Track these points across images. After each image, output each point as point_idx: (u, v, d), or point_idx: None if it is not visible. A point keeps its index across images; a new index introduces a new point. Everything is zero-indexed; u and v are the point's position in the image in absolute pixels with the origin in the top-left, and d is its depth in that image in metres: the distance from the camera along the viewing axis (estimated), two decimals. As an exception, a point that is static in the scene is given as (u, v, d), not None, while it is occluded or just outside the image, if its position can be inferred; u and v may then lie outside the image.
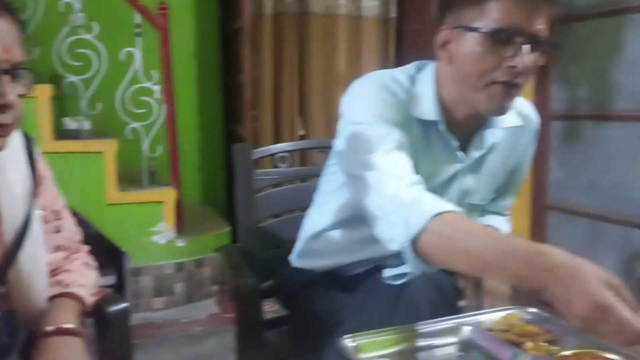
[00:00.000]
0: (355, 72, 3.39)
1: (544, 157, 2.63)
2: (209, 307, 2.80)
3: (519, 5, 0.95)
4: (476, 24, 0.98)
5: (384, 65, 3.47)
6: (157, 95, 2.77)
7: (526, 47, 0.96)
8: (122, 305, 1.02)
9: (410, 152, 1.05)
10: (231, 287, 1.38)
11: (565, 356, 0.83)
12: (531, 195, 2.71)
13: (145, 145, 2.80)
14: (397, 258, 0.98)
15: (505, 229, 1.31)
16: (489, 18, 0.96)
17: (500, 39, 0.96)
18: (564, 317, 0.74)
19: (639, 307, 0.71)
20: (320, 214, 1.30)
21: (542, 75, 2.60)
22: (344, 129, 1.10)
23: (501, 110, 1.05)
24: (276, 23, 3.26)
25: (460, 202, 1.18)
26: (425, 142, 1.11)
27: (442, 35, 1.05)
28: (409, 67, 1.15)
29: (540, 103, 2.62)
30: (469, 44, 0.99)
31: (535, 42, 0.97)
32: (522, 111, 1.20)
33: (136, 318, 2.65)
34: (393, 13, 3.48)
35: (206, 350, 2.38)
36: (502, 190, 1.29)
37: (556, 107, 2.59)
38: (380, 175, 0.98)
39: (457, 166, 1.14)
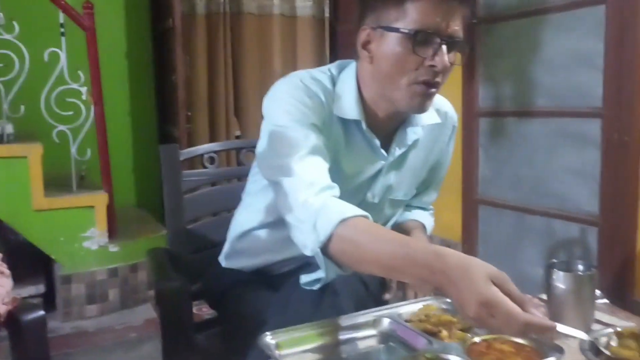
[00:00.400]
0: (291, 71, 3.38)
1: (473, 154, 2.72)
2: (145, 312, 2.74)
3: (436, 7, 0.98)
4: (396, 25, 1.00)
5: (320, 65, 3.50)
6: (85, 96, 2.68)
7: (444, 48, 0.99)
8: (38, 313, 0.99)
9: (330, 153, 1.07)
10: (155, 290, 1.35)
11: (476, 343, 0.86)
12: (462, 190, 2.80)
13: (73, 149, 2.70)
14: None
15: (428, 223, 1.35)
16: (408, 19, 0.99)
17: (420, 39, 0.99)
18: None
19: (525, 299, 0.75)
20: (247, 214, 1.30)
21: (469, 74, 2.69)
22: (264, 130, 1.10)
23: (422, 108, 1.08)
24: (209, 22, 3.24)
25: (384, 198, 1.22)
26: (348, 141, 1.13)
27: (362, 35, 1.07)
28: (331, 67, 1.17)
29: (468, 101, 2.71)
30: (389, 44, 1.02)
31: (453, 42, 1.01)
32: (441, 108, 1.24)
33: (68, 327, 2.57)
34: (327, 13, 3.51)
35: (142, 356, 2.33)
36: (424, 185, 1.33)
37: (483, 105, 2.68)
38: (293, 182, 1.00)
39: (381, 163, 1.17)
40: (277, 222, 1.20)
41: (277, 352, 0.86)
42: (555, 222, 2.38)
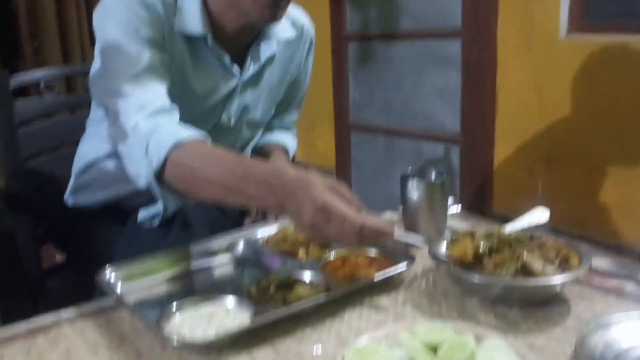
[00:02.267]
0: None
1: (343, 79, 2.71)
2: None
3: None
4: None
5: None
6: None
7: None
8: None
9: (174, 72, 0.97)
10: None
11: (330, 261, 0.84)
12: (334, 116, 2.79)
13: None
14: None
15: (291, 145, 1.31)
16: None
17: None
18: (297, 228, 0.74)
19: (361, 206, 0.74)
20: (92, 143, 1.17)
21: (336, -3, 2.63)
22: (96, 49, 0.97)
23: (274, 17, 1.00)
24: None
25: (241, 119, 1.14)
26: (195, 59, 1.03)
27: None
28: None
29: (336, 25, 2.66)
30: None
31: None
32: (297, 21, 1.17)
33: None
34: None
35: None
36: (284, 105, 1.27)
37: (350, 29, 2.65)
38: (123, 105, 0.89)
39: (234, 81, 1.09)
40: None
41: (118, 286, 0.79)
42: (422, 143, 2.46)
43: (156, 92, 0.92)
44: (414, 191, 0.91)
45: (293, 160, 1.33)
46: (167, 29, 0.98)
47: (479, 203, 2.25)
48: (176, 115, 0.92)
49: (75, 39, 2.98)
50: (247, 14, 0.99)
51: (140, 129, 0.86)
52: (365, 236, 0.70)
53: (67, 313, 0.76)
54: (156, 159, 0.84)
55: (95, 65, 0.98)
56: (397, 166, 2.59)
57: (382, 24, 2.53)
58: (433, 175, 0.94)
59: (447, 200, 0.95)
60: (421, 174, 0.94)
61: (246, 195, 0.80)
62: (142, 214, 1.03)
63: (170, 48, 0.99)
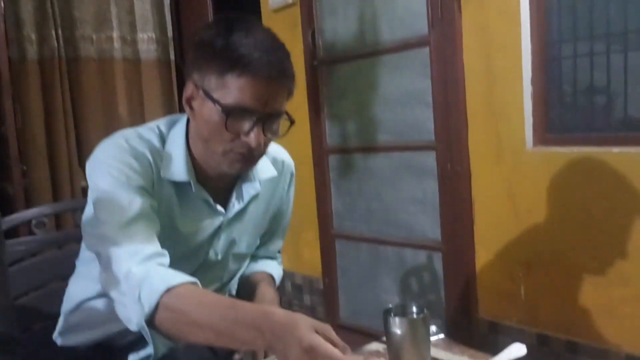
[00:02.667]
0: (138, 116, 3.28)
1: (325, 190, 2.80)
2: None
3: (256, 86, 0.95)
4: (215, 95, 0.97)
5: (168, 109, 3.42)
6: None
7: (258, 128, 0.98)
8: None
9: (162, 216, 1.03)
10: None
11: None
12: (318, 226, 2.85)
13: None
14: None
15: (277, 273, 1.35)
16: (227, 92, 0.96)
17: (234, 116, 0.96)
18: None
19: (346, 347, 0.78)
20: (81, 283, 1.21)
21: (315, 114, 2.78)
22: (89, 197, 1.03)
23: (244, 171, 1.09)
24: (43, 69, 3.02)
25: (228, 252, 1.19)
26: (182, 201, 1.09)
27: (187, 89, 1.03)
28: (160, 124, 1.12)
29: (316, 139, 2.79)
30: (208, 110, 0.99)
31: (271, 120, 1.00)
32: (277, 158, 1.25)
33: None
34: (172, 56, 3.45)
35: None
36: (268, 234, 1.33)
37: (330, 142, 2.77)
38: (115, 252, 0.94)
39: (220, 219, 1.14)
40: None
41: None
42: (405, 251, 2.51)
43: (147, 239, 0.97)
44: (396, 327, 0.94)
45: (279, 287, 1.37)
46: (155, 174, 1.05)
47: (465, 309, 2.27)
48: (167, 259, 0.97)
49: (64, 161, 3.06)
50: (220, 168, 1.06)
51: (132, 276, 0.91)
52: None
53: None
54: (148, 305, 0.87)
55: (88, 213, 1.03)
56: (382, 272, 2.63)
57: (360, 137, 2.66)
58: (414, 309, 0.98)
59: (428, 332, 0.98)
60: (403, 308, 0.98)
61: (236, 339, 0.83)
62: (133, 358, 1.05)
63: (159, 193, 1.05)
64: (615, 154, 1.84)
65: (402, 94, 2.45)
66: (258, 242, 1.28)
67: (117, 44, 3.22)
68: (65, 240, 1.47)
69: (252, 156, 1.02)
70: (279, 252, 1.40)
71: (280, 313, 0.80)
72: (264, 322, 0.79)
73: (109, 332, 1.18)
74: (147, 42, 3.33)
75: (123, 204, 0.98)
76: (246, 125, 0.98)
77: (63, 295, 1.26)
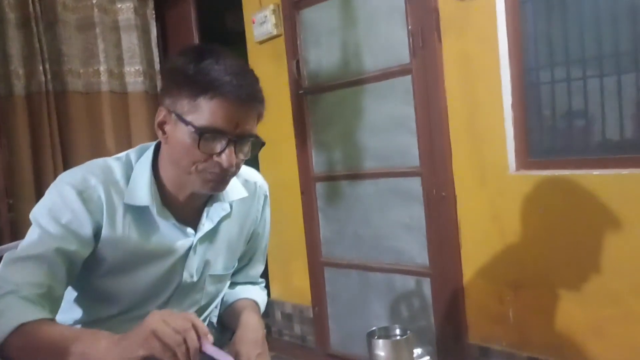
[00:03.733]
0: (126, 148, 3.18)
1: (313, 218, 2.81)
2: None
3: (227, 108, 0.99)
4: (188, 117, 1.00)
5: (155, 140, 3.43)
6: None
7: (230, 149, 1.01)
8: None
9: (127, 241, 1.08)
10: None
11: None
12: (307, 254, 2.86)
13: None
14: None
15: (261, 299, 1.35)
16: (200, 114, 0.99)
17: (206, 138, 1.00)
18: None
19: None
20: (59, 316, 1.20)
21: (301, 142, 2.81)
22: None
23: (216, 190, 1.10)
24: (30, 103, 3.03)
25: (203, 275, 1.20)
26: (149, 226, 1.11)
27: (160, 114, 1.06)
28: (131, 152, 1.15)
29: (303, 167, 2.82)
30: (180, 133, 1.02)
31: (242, 142, 1.04)
32: (248, 180, 1.26)
33: None
34: (160, 88, 3.49)
35: None
36: (246, 257, 1.33)
37: (317, 170, 2.80)
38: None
39: (190, 240, 1.16)
40: None
41: None
42: (394, 277, 2.52)
43: (29, 276, 0.98)
44: (380, 349, 0.95)
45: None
46: (109, 206, 1.07)
47: (455, 334, 2.27)
48: (48, 304, 0.98)
49: (51, 194, 3.05)
50: (194, 187, 1.08)
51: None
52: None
53: None
54: (4, 333, 0.89)
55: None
56: (371, 298, 2.63)
57: (346, 164, 2.69)
58: (397, 332, 0.99)
59: (412, 354, 0.99)
60: (387, 330, 0.99)
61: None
62: None
63: (117, 220, 1.07)
64: (594, 176, 1.88)
65: (387, 121, 2.48)
66: (235, 264, 1.29)
67: (104, 77, 3.25)
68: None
69: (224, 176, 1.05)
70: (258, 276, 1.40)
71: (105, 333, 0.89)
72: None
73: None
74: (134, 75, 3.37)
75: (32, 240, 1.02)
76: (218, 146, 1.01)
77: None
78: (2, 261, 1.03)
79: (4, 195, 2.88)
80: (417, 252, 2.41)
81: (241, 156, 1.05)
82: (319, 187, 2.80)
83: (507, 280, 2.13)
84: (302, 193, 2.83)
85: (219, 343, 1.23)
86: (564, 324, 2.01)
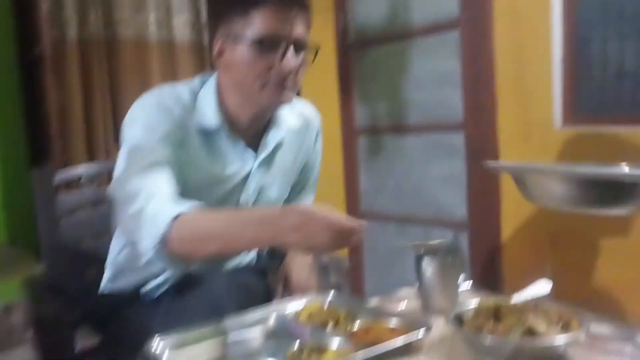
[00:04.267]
0: None
1: (354, 170, 2.85)
2: (23, 355, 2.54)
3: (278, 13, 1.08)
4: (244, 33, 1.08)
5: (201, 91, 3.50)
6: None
7: (291, 50, 1.09)
8: None
9: (194, 163, 1.14)
10: (33, 321, 1.30)
11: (354, 332, 0.92)
12: (346, 205, 2.91)
13: None
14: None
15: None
16: (254, 27, 1.08)
17: (266, 45, 1.08)
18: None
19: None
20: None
21: (345, 96, 2.83)
22: (120, 153, 1.13)
23: (282, 103, 1.16)
24: (82, 50, 3.14)
25: (258, 199, 1.27)
26: (214, 149, 1.18)
27: (216, 46, 1.14)
28: (194, 82, 1.22)
29: (347, 121, 2.85)
30: (240, 52, 1.10)
31: (297, 46, 1.11)
32: (302, 112, 1.34)
33: None
34: (207, 39, 3.54)
35: (19, 403, 2.15)
36: (298, 186, 1.41)
37: (361, 124, 2.83)
38: (133, 193, 1.03)
39: (250, 165, 1.22)
40: None
41: (165, 354, 0.87)
42: (432, 229, 2.55)
43: (162, 182, 1.06)
44: (428, 268, 1.00)
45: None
46: (184, 126, 1.14)
47: (489, 286, 2.30)
48: (181, 201, 1.05)
49: (100, 138, 3.17)
50: (259, 103, 1.14)
51: (147, 211, 1.00)
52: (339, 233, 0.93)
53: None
54: (160, 229, 0.97)
55: (118, 167, 1.13)
56: (408, 252, 2.66)
57: (389, 117, 2.71)
58: (445, 253, 1.04)
59: (458, 275, 1.04)
60: (435, 252, 1.04)
61: (255, 238, 0.95)
62: (149, 285, 1.15)
63: (190, 142, 1.14)
64: (643, 132, 1.87)
65: (432, 75, 2.49)
66: (288, 192, 1.36)
67: (152, 27, 3.32)
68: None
69: (287, 85, 1.12)
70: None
71: (301, 207, 0.96)
72: (270, 213, 0.93)
73: (148, 275, 1.26)
74: (182, 25, 3.43)
75: (146, 150, 1.09)
76: (277, 52, 1.09)
77: (108, 248, 1.34)
78: (116, 180, 1.10)
79: (58, 137, 2.99)
80: (457, 206, 2.43)
81: (299, 61, 1.10)
82: (362, 140, 2.83)
83: (546, 236, 2.14)
84: (343, 145, 2.87)
85: (270, 269, 1.30)
86: (599, 279, 2.02)
